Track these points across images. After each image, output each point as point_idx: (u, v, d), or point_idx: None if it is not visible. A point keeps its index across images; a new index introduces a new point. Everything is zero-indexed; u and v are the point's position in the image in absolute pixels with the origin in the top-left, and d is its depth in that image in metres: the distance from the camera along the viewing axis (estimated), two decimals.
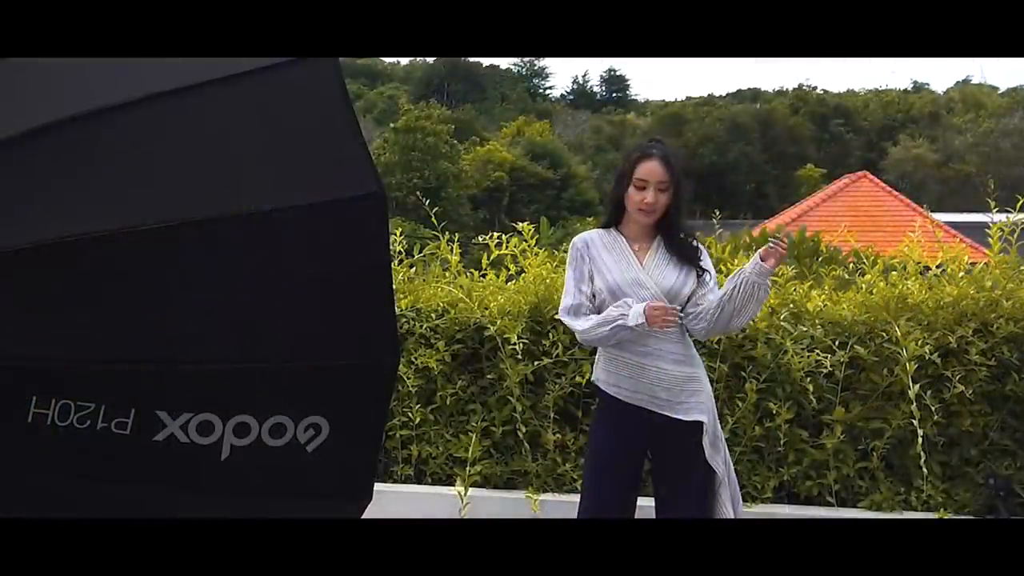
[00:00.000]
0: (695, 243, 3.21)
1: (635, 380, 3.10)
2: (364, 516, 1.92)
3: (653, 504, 3.27)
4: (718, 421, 3.24)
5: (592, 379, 3.32)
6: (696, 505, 3.14)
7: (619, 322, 3.01)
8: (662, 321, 2.98)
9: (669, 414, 3.09)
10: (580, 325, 3.12)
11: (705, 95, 72.46)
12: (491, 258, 4.83)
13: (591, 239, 3.19)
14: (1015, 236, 4.42)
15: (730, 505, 3.18)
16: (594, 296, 3.15)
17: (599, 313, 3.11)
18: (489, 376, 4.46)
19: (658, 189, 3.06)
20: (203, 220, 1.61)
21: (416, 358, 4.45)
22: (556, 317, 4.33)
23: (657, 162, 3.07)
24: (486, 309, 4.51)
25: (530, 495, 4.28)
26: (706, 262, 3.19)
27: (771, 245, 3.06)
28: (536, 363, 4.35)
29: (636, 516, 3.26)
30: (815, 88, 66.41)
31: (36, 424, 1.56)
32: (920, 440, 3.95)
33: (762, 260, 3.04)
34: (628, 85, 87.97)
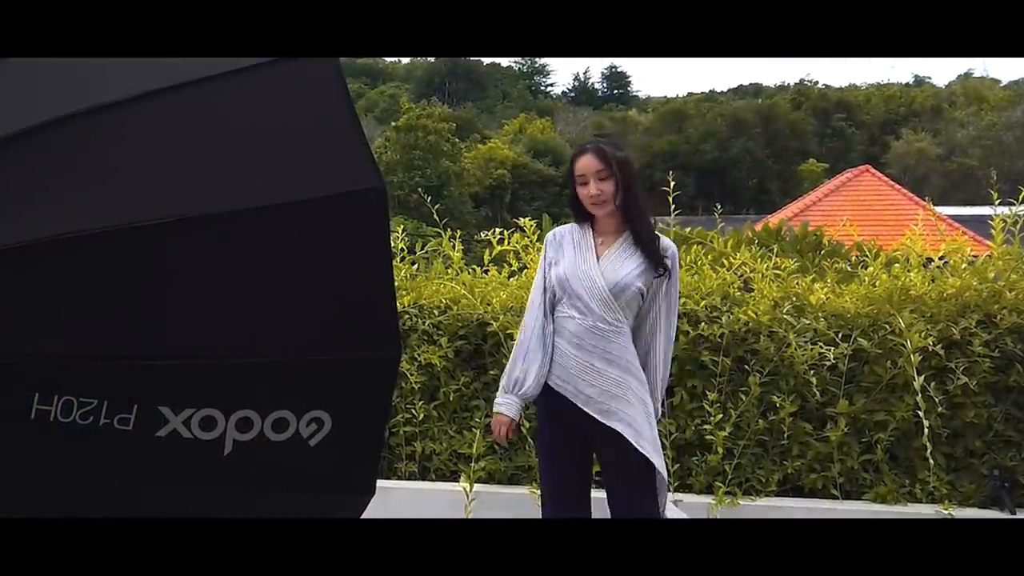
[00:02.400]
0: (660, 242, 3.16)
1: (565, 370, 3.13)
2: (368, 512, 1.92)
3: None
4: (654, 426, 3.13)
5: None
6: (635, 504, 3.11)
7: (505, 391, 3.20)
8: (497, 433, 3.23)
9: (589, 411, 3.09)
10: (519, 335, 3.25)
11: (707, 91, 72.62)
12: (493, 254, 4.84)
13: (563, 233, 3.26)
14: (1018, 228, 4.42)
15: (667, 508, 3.20)
16: (555, 289, 3.20)
17: (553, 306, 3.20)
18: (492, 372, 4.46)
19: (598, 179, 3.10)
20: (204, 216, 1.61)
21: (419, 355, 4.46)
22: None
23: (589, 155, 3.13)
24: (488, 305, 4.51)
25: (534, 491, 4.27)
26: (672, 267, 3.16)
27: None
28: None
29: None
30: (817, 83, 66.60)
31: (39, 421, 1.56)
32: (925, 432, 3.94)
33: None
34: (629, 82, 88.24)
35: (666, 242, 3.18)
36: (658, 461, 3.08)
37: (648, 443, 3.06)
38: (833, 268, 4.73)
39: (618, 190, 3.09)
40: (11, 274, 1.52)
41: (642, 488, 3.11)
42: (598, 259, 3.14)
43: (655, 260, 3.11)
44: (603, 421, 3.07)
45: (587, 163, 3.11)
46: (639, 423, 3.07)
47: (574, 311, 3.12)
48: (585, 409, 3.09)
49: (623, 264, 3.11)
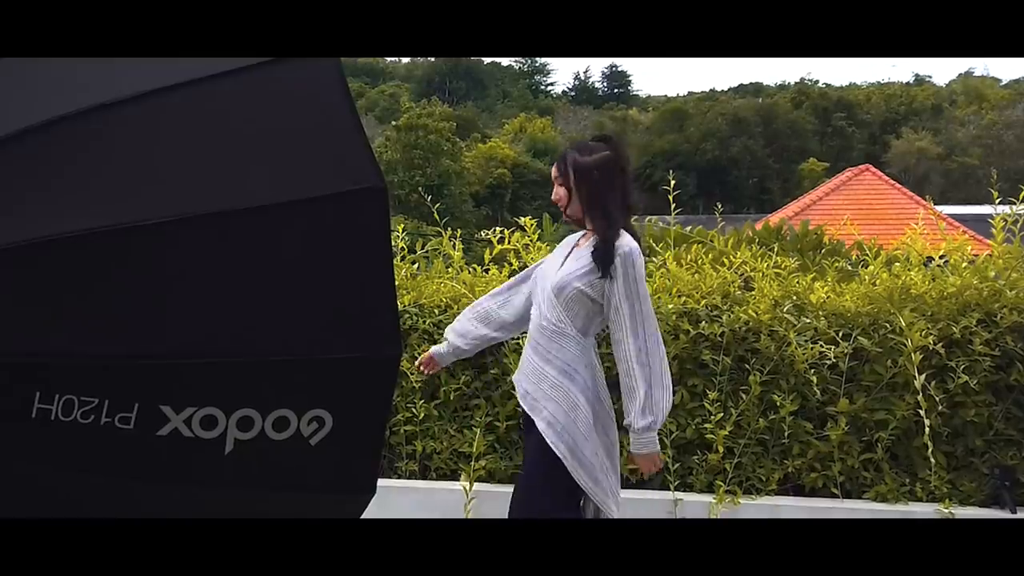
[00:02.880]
0: (616, 247, 2.99)
1: (521, 365, 3.24)
2: (369, 512, 1.93)
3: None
4: (590, 437, 3.01)
5: None
6: (535, 505, 3.06)
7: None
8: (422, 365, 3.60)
9: (523, 406, 3.13)
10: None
11: (707, 90, 72.65)
12: (494, 254, 4.83)
13: (567, 239, 3.32)
14: (1018, 227, 4.42)
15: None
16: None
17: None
18: (492, 371, 4.46)
19: (556, 184, 3.17)
20: (205, 215, 1.62)
21: (419, 354, 4.45)
22: None
23: (555, 162, 3.22)
24: None
25: None
26: (620, 267, 2.96)
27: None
28: None
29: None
30: (817, 82, 66.60)
31: (40, 420, 1.56)
32: (926, 431, 3.94)
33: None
34: (630, 81, 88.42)
35: (623, 242, 2.99)
36: (583, 475, 2.99)
37: (566, 447, 2.98)
38: (833, 267, 4.73)
39: (571, 196, 3.11)
40: (11, 273, 1.52)
41: (548, 488, 3.05)
42: (565, 260, 3.16)
43: (599, 262, 2.99)
44: (530, 415, 3.09)
45: (552, 170, 3.22)
46: (564, 427, 2.99)
47: (534, 308, 3.20)
48: (521, 403, 3.15)
49: (571, 264, 3.09)
